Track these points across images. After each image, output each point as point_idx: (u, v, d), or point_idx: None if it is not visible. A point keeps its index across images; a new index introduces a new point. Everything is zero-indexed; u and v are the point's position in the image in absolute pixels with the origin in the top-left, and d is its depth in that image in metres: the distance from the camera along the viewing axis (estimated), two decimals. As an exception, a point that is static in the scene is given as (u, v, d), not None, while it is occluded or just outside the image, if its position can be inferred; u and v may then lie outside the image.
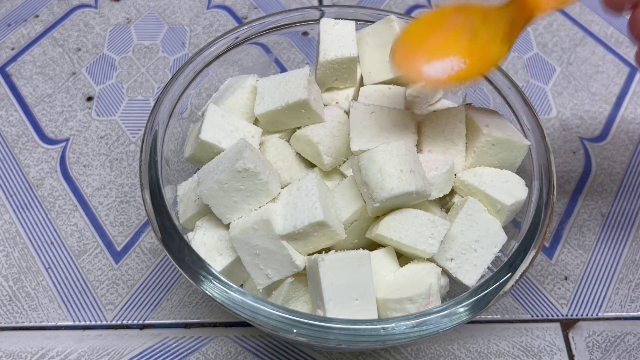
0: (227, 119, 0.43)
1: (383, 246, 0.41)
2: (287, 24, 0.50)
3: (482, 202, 0.42)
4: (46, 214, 0.55)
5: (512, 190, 0.42)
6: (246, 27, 0.49)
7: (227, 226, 0.40)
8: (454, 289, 0.42)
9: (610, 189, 0.59)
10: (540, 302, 0.52)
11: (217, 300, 0.36)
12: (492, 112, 0.46)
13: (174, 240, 0.38)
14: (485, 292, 0.38)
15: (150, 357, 0.48)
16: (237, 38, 0.49)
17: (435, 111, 0.44)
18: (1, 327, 0.49)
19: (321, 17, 0.49)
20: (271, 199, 0.39)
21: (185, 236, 0.39)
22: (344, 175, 0.44)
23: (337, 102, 0.46)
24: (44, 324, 0.49)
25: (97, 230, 0.54)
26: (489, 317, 0.51)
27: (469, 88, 0.51)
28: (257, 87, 0.45)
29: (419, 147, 0.44)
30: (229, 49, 0.49)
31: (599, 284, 0.53)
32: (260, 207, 0.39)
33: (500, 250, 0.41)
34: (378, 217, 0.40)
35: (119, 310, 0.50)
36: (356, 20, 0.50)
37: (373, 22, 0.48)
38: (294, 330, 0.35)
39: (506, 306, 0.52)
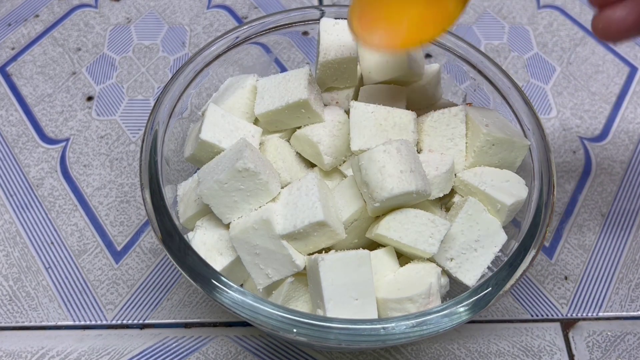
0: (227, 118, 0.43)
1: (383, 246, 0.41)
2: (287, 23, 0.50)
3: (482, 201, 0.42)
4: (46, 214, 0.55)
5: (512, 190, 0.42)
6: (246, 26, 0.49)
7: (227, 226, 0.40)
8: (454, 288, 0.42)
9: (610, 189, 0.59)
10: (540, 302, 0.52)
11: (217, 300, 0.36)
12: (492, 112, 0.46)
13: (174, 240, 0.38)
14: (485, 291, 0.38)
15: (151, 356, 0.48)
16: (237, 38, 0.49)
17: (435, 111, 0.44)
18: (1, 326, 0.49)
19: (321, 16, 0.49)
20: (271, 198, 0.39)
21: (185, 236, 0.39)
22: (344, 175, 0.44)
23: (337, 102, 0.46)
24: (44, 323, 0.49)
25: (97, 230, 0.54)
26: (489, 316, 0.51)
27: (469, 88, 0.51)
28: (257, 87, 0.45)
29: (419, 147, 0.44)
30: (229, 49, 0.49)
31: (599, 284, 0.53)
32: (260, 207, 0.39)
33: (500, 250, 0.41)
34: (378, 216, 0.40)
35: (119, 310, 0.50)
36: (356, 20, 0.50)
37: (373, 21, 0.48)
38: (294, 330, 0.35)
39: (506, 306, 0.52)
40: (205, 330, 0.49)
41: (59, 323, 0.49)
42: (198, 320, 0.50)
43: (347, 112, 0.45)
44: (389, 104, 0.45)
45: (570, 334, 0.51)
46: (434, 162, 0.42)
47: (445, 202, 0.45)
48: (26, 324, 0.49)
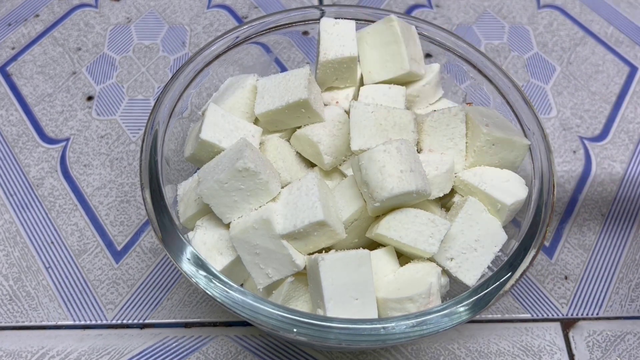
0: (227, 118, 0.43)
1: (383, 246, 0.41)
2: (288, 23, 0.50)
3: (482, 201, 0.42)
4: (46, 214, 0.55)
5: (512, 189, 0.42)
6: (246, 26, 0.49)
7: (228, 225, 0.40)
8: (454, 288, 0.42)
9: (610, 189, 0.59)
10: (541, 302, 0.52)
11: (218, 299, 0.36)
12: (493, 112, 0.46)
13: (174, 239, 0.38)
14: (486, 291, 0.38)
15: (151, 356, 0.48)
16: (237, 37, 0.49)
17: (435, 111, 0.44)
18: (1, 326, 0.49)
19: (321, 16, 0.49)
20: (271, 198, 0.39)
21: (185, 236, 0.39)
22: (344, 175, 0.44)
23: (337, 102, 0.46)
24: (44, 323, 0.49)
25: (97, 230, 0.54)
26: (489, 316, 0.51)
27: (469, 88, 0.51)
28: (257, 87, 0.45)
29: (419, 147, 0.44)
30: (229, 49, 0.49)
31: (599, 284, 0.53)
32: (260, 207, 0.39)
33: (501, 250, 0.41)
34: (378, 216, 0.40)
35: (119, 310, 0.50)
36: (356, 19, 0.50)
37: (373, 21, 0.48)
38: (294, 330, 0.35)
39: (506, 306, 0.52)
40: (205, 330, 0.49)
41: (59, 323, 0.49)
42: (198, 320, 0.50)
43: (347, 111, 0.45)
44: (389, 104, 0.45)
45: (570, 334, 0.51)
46: (434, 162, 0.42)
47: (445, 202, 0.45)
48: (26, 323, 0.49)
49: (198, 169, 0.45)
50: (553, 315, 0.51)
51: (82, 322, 0.50)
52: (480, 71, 0.49)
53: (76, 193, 0.56)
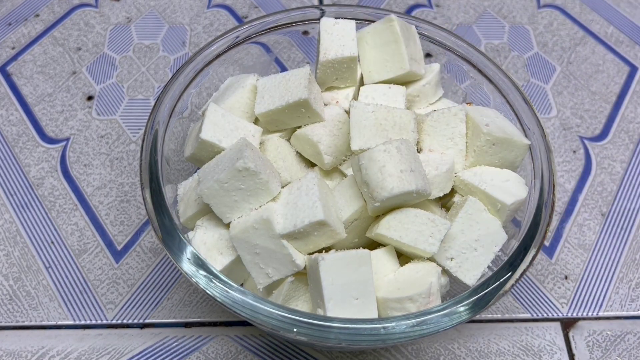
0: (227, 118, 0.43)
1: (383, 245, 0.41)
2: (288, 23, 0.50)
3: (482, 201, 0.42)
4: (46, 213, 0.55)
5: (513, 189, 0.42)
6: (246, 26, 0.49)
7: (228, 225, 0.40)
8: (454, 288, 0.42)
9: (610, 188, 0.59)
10: (541, 302, 0.52)
11: (218, 299, 0.36)
12: (493, 112, 0.46)
13: (174, 239, 0.39)
14: (486, 291, 0.38)
15: (151, 356, 0.48)
16: (237, 37, 0.49)
17: (435, 110, 0.44)
18: (2, 326, 0.49)
19: (321, 16, 0.49)
20: (271, 198, 0.39)
21: (185, 235, 0.39)
22: (344, 175, 0.44)
23: (337, 102, 0.46)
24: (44, 323, 0.49)
25: (97, 230, 0.54)
26: (489, 316, 0.51)
27: (469, 87, 0.51)
28: (257, 87, 0.45)
29: (419, 147, 0.44)
30: (229, 48, 0.49)
31: (599, 283, 0.53)
32: (260, 207, 0.39)
33: (501, 250, 0.41)
34: (378, 216, 0.40)
35: (120, 310, 0.50)
36: (356, 19, 0.50)
37: (373, 21, 0.48)
38: (295, 330, 0.35)
39: (506, 305, 0.52)
40: (205, 330, 0.49)
41: (59, 322, 0.49)
42: (198, 319, 0.50)
43: (347, 111, 0.45)
44: (389, 103, 0.45)
45: (570, 334, 0.51)
46: (434, 162, 0.42)
47: (445, 202, 0.45)
48: (26, 323, 0.49)
49: (198, 168, 0.45)
50: (553, 315, 0.51)
51: (82, 322, 0.50)
52: (480, 71, 0.49)
53: (76, 193, 0.56)
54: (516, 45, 0.70)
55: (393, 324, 0.35)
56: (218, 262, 0.40)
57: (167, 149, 0.44)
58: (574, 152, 0.61)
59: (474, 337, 0.50)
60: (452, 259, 0.40)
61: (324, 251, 0.39)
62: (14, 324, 0.49)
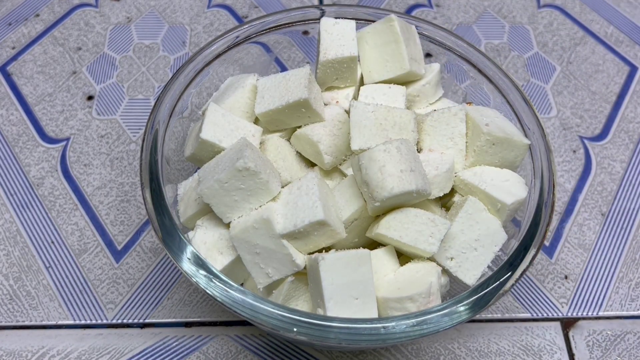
0: (227, 118, 0.43)
1: (383, 245, 0.41)
2: (288, 23, 0.50)
3: (482, 201, 0.42)
4: (47, 213, 0.55)
5: (512, 189, 0.42)
6: (246, 26, 0.50)
7: (228, 225, 0.40)
8: (454, 287, 0.42)
9: (610, 188, 0.59)
10: (541, 301, 0.52)
11: (218, 299, 0.36)
12: (493, 111, 0.46)
13: (174, 239, 0.39)
14: (486, 291, 0.38)
15: (151, 356, 0.48)
16: (237, 37, 0.49)
17: (435, 110, 0.44)
18: (2, 326, 0.49)
19: (321, 16, 0.49)
20: (272, 198, 0.39)
21: (185, 235, 0.39)
22: (344, 175, 0.44)
23: (337, 101, 0.46)
24: (44, 322, 0.49)
25: (97, 229, 0.54)
26: (489, 316, 0.51)
27: (469, 87, 0.51)
28: (257, 86, 0.45)
29: (419, 146, 0.44)
30: (229, 48, 0.49)
31: (599, 283, 0.53)
32: (260, 206, 0.39)
33: (501, 249, 0.41)
34: (378, 216, 0.40)
35: (120, 309, 0.50)
36: (356, 19, 0.50)
37: (373, 21, 0.48)
38: (295, 329, 0.35)
39: (506, 305, 0.52)
40: (205, 330, 0.49)
41: (60, 322, 0.49)
42: (198, 319, 0.50)
43: (347, 111, 0.45)
44: (389, 103, 0.45)
45: (570, 333, 0.51)
46: (434, 162, 0.42)
47: (445, 202, 0.45)
48: (27, 323, 0.49)
49: (198, 168, 0.45)
50: (553, 314, 0.51)
51: (83, 322, 0.50)
52: (480, 71, 0.49)
53: (76, 193, 0.56)
54: (516, 45, 0.70)
55: (393, 323, 0.35)
56: (218, 261, 0.40)
57: (167, 148, 0.44)
58: (574, 151, 0.61)
59: (474, 337, 0.50)
60: (452, 258, 0.40)
61: (324, 251, 0.39)
62: (14, 323, 0.49)
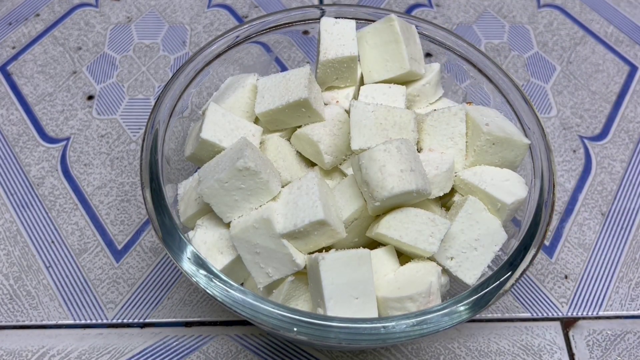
0: (227, 117, 0.43)
1: (383, 245, 0.41)
2: (288, 22, 0.50)
3: (482, 200, 0.42)
4: (47, 213, 0.55)
5: (513, 189, 0.42)
6: (247, 26, 0.50)
7: (228, 225, 0.40)
8: (454, 287, 0.42)
9: (610, 188, 0.59)
10: (541, 301, 0.52)
11: (218, 298, 0.36)
12: (493, 111, 0.46)
13: (174, 239, 0.39)
14: (486, 290, 0.38)
15: (151, 355, 0.48)
16: (237, 37, 0.49)
17: (435, 110, 0.44)
18: (2, 325, 0.49)
19: (321, 16, 0.49)
20: (272, 197, 0.39)
21: (185, 235, 0.39)
22: (344, 174, 0.44)
23: (337, 101, 0.46)
24: (44, 322, 0.49)
25: (97, 229, 0.54)
26: (489, 315, 0.51)
27: (469, 87, 0.51)
28: (257, 86, 0.45)
29: (419, 146, 0.44)
30: (229, 48, 0.49)
31: (599, 283, 0.53)
32: (260, 206, 0.39)
33: (501, 249, 0.41)
34: (378, 215, 0.40)
35: (120, 309, 0.50)
36: (356, 19, 0.50)
37: (373, 21, 0.48)
38: (295, 329, 0.35)
39: (506, 305, 0.52)
40: (205, 329, 0.49)
41: (60, 322, 0.49)
42: (198, 319, 0.50)
43: (348, 111, 0.45)
44: (389, 103, 0.45)
45: (570, 333, 0.51)
46: (434, 161, 0.42)
47: (445, 201, 0.45)
48: (27, 323, 0.49)
49: (198, 168, 0.45)
50: (553, 314, 0.51)
51: (83, 322, 0.50)
52: (480, 70, 0.49)
53: (76, 192, 0.56)
54: (516, 44, 0.70)
55: (393, 323, 0.35)
56: (218, 261, 0.40)
57: (167, 148, 0.44)
58: (574, 151, 0.61)
59: (474, 337, 0.50)
60: (452, 258, 0.40)
61: (324, 251, 0.39)
62: (14, 323, 0.49)
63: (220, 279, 0.37)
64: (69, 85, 0.64)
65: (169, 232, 0.39)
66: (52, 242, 0.53)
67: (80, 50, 0.67)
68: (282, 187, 0.41)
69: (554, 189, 0.42)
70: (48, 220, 0.54)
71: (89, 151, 0.59)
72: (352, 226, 0.40)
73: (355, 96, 0.47)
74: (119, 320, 0.50)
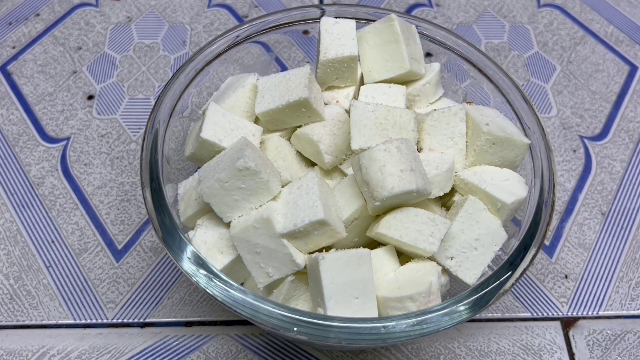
0: (227, 117, 0.43)
1: (383, 245, 0.41)
2: (288, 22, 0.50)
3: (482, 200, 0.42)
4: (47, 213, 0.55)
5: (513, 188, 0.42)
6: (247, 25, 0.50)
7: (228, 225, 0.40)
8: (454, 287, 0.42)
9: (610, 188, 0.59)
10: (541, 301, 0.52)
11: (218, 298, 0.36)
12: (493, 111, 0.46)
13: (174, 238, 0.39)
14: (486, 290, 0.38)
15: (151, 355, 0.48)
16: (237, 37, 0.49)
17: (435, 110, 0.44)
18: (2, 325, 0.49)
19: (322, 15, 0.49)
20: (272, 197, 0.39)
21: (185, 235, 0.39)
22: (344, 174, 0.44)
23: (337, 101, 0.46)
24: (44, 322, 0.49)
25: (97, 229, 0.54)
26: (489, 315, 0.51)
27: (469, 87, 0.51)
28: (257, 86, 0.45)
29: (419, 146, 0.44)
30: (229, 48, 0.49)
31: (599, 283, 0.53)
32: (260, 206, 0.39)
33: (501, 249, 0.41)
34: (378, 215, 0.40)
35: (120, 309, 0.50)
36: (356, 19, 0.50)
37: (373, 20, 0.48)
38: (295, 329, 0.35)
39: (506, 304, 0.52)
40: (205, 329, 0.49)
41: (60, 322, 0.50)
42: (199, 318, 0.50)
43: (348, 111, 0.45)
44: (389, 103, 0.45)
45: (570, 333, 0.51)
46: (434, 161, 0.42)
47: (445, 201, 0.45)
48: (27, 322, 0.49)
49: (198, 168, 0.45)
50: (553, 314, 0.51)
51: (83, 321, 0.50)
52: (480, 70, 0.49)
53: (77, 192, 0.56)
54: (516, 44, 0.70)
55: (393, 323, 0.35)
56: (218, 261, 0.40)
57: (167, 148, 0.44)
58: (574, 151, 0.61)
59: (474, 336, 0.50)
60: (452, 258, 0.40)
61: (324, 250, 0.39)
62: (14, 323, 0.49)
63: (221, 279, 0.37)
64: (69, 85, 0.64)
65: (169, 231, 0.39)
66: (52, 241, 0.53)
67: (80, 50, 0.67)
68: (282, 186, 0.41)
69: (554, 189, 0.42)
70: (48, 220, 0.54)
71: (89, 151, 0.59)
72: (352, 226, 0.40)
73: (356, 96, 0.47)
74: (119, 320, 0.50)
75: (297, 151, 0.45)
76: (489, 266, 0.41)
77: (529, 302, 0.52)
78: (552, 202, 0.42)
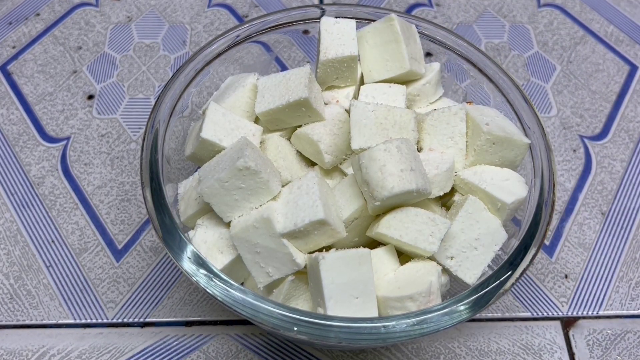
0: (228, 117, 0.43)
1: (384, 244, 0.41)
2: (288, 22, 0.50)
3: (482, 200, 0.42)
4: (47, 212, 0.55)
5: (513, 188, 0.42)
6: (247, 25, 0.50)
7: (228, 224, 0.40)
8: (454, 287, 0.42)
9: (610, 187, 0.59)
10: (541, 300, 0.52)
11: (218, 298, 0.36)
12: (493, 111, 0.46)
13: (174, 238, 0.39)
14: (486, 290, 0.38)
15: (151, 355, 0.48)
16: (237, 36, 0.49)
17: (435, 109, 0.44)
18: (2, 325, 0.49)
19: (322, 15, 0.49)
20: (272, 197, 0.39)
21: (186, 234, 0.39)
22: (344, 174, 0.44)
23: (337, 101, 0.46)
24: (45, 322, 0.49)
25: (98, 229, 0.54)
26: (490, 315, 0.51)
27: (469, 87, 0.51)
28: (257, 86, 0.45)
29: (419, 146, 0.44)
30: (229, 48, 0.49)
31: (600, 282, 0.53)
32: (261, 206, 0.39)
33: (501, 249, 0.41)
34: (378, 215, 0.40)
35: (120, 309, 0.50)
36: (357, 18, 0.50)
37: (373, 20, 0.48)
38: (295, 329, 0.35)
39: (506, 304, 0.52)
40: (206, 329, 0.49)
41: (60, 321, 0.50)
42: (199, 318, 0.50)
43: (348, 110, 0.45)
44: (389, 103, 0.45)
45: (570, 333, 0.51)
46: (434, 161, 0.42)
47: (445, 201, 0.45)
48: (27, 322, 0.49)
49: (199, 167, 0.45)
50: (553, 314, 0.51)
51: (83, 321, 0.50)
52: (480, 70, 0.49)
53: (77, 192, 0.56)
54: (516, 44, 0.70)
55: (393, 322, 0.35)
56: (218, 261, 0.40)
57: (167, 148, 0.44)
58: (574, 151, 0.61)
59: (474, 336, 0.50)
60: (452, 257, 0.40)
61: (324, 250, 0.39)
62: (14, 322, 0.49)
63: (221, 279, 0.37)
64: (69, 85, 0.64)
65: (169, 231, 0.39)
66: (52, 241, 0.53)
67: (80, 50, 0.67)
68: (282, 186, 0.41)
69: (554, 189, 0.42)
70: (48, 219, 0.54)
71: (89, 151, 0.59)
72: (352, 226, 0.40)
73: (356, 96, 0.47)
74: (119, 320, 0.50)
75: (297, 151, 0.45)
76: (489, 266, 0.41)
77: (529, 302, 0.52)
78: (552, 202, 0.42)
